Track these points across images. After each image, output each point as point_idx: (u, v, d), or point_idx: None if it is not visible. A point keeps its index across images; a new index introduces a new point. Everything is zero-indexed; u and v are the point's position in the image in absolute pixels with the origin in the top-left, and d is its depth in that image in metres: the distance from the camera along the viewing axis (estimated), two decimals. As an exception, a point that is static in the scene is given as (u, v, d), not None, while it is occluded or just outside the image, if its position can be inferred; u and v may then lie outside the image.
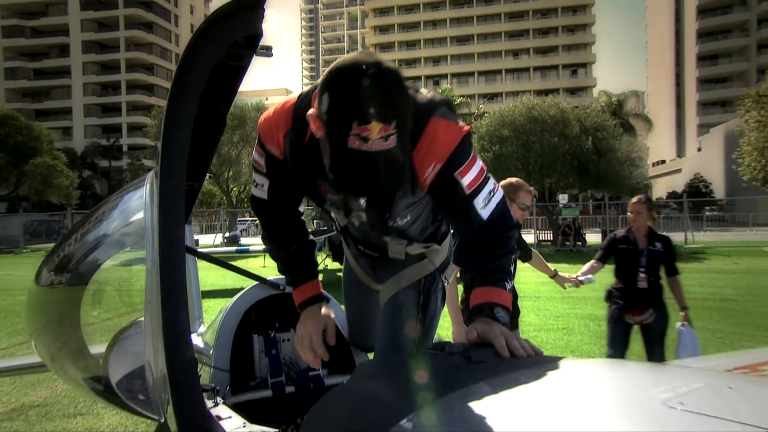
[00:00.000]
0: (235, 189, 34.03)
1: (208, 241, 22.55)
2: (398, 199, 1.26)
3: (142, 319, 1.67)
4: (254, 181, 1.40)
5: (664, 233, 4.08)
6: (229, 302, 2.19)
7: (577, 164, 18.63)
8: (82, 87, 56.80)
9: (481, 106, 41.99)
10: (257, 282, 2.19)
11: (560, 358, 1.02)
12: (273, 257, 1.49)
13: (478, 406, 0.83)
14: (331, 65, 1.05)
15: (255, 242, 21.41)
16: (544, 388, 0.90)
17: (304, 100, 1.22)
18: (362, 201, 1.28)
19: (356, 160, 0.99)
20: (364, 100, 0.96)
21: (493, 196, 1.23)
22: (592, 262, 3.78)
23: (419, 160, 1.16)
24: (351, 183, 1.02)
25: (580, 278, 3.56)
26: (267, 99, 44.40)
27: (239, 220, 30.95)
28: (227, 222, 26.11)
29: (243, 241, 24.07)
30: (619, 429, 0.67)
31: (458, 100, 38.58)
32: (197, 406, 0.89)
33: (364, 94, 0.96)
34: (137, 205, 1.63)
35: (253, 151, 1.38)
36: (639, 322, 3.65)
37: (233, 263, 2.20)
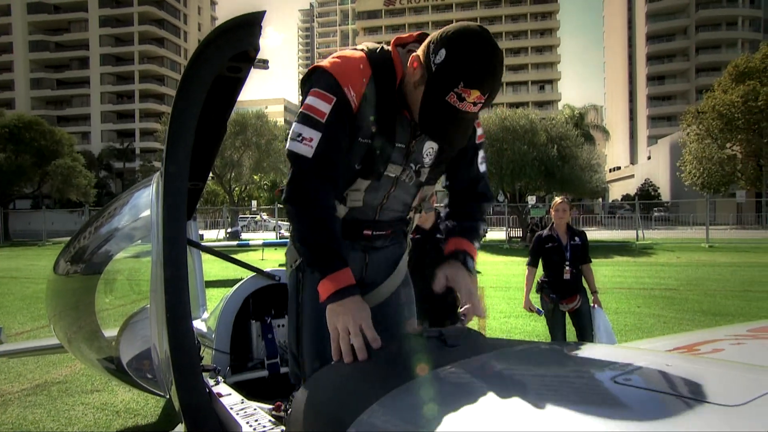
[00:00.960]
0: (236, 189, 33.76)
1: (212, 236, 22.35)
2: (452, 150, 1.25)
3: (149, 306, 1.65)
4: (297, 134, 1.12)
5: (618, 231, 4.17)
6: (229, 291, 2.17)
7: (544, 169, 18.95)
8: (100, 96, 57.09)
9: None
10: (255, 273, 2.17)
11: (525, 342, 1.04)
12: (303, 241, 1.11)
13: (449, 386, 0.83)
14: (449, 28, 1.06)
15: (254, 237, 21.23)
16: (510, 369, 0.92)
17: (376, 55, 1.18)
18: (431, 150, 1.24)
19: (447, 114, 1.05)
20: (479, 66, 1.01)
21: (485, 160, 1.33)
22: (526, 274, 3.89)
23: None
24: (437, 130, 1.08)
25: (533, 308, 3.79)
26: (266, 108, 44.08)
27: (240, 217, 30.75)
28: (229, 219, 25.87)
29: (243, 236, 23.85)
30: (577, 404, 0.68)
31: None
32: (197, 384, 0.88)
33: (481, 61, 1.01)
34: (145, 203, 1.60)
35: (307, 96, 1.14)
36: (571, 309, 3.75)
37: (234, 256, 2.20)
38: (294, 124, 1.14)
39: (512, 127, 19.13)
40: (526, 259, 4.01)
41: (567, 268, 3.70)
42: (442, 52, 1.04)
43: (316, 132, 1.12)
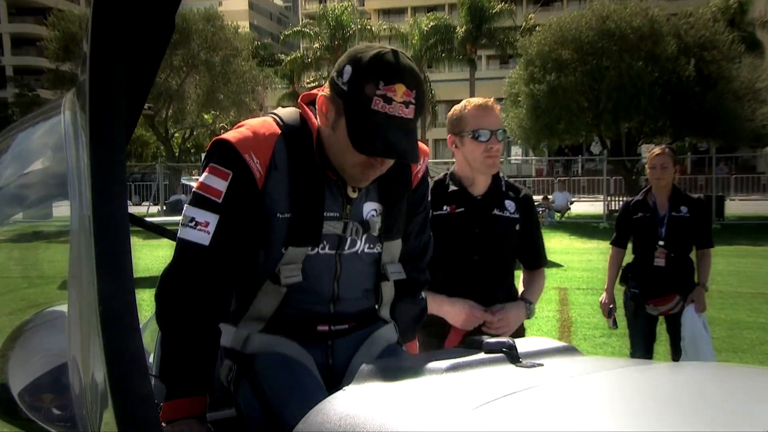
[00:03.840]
0: (176, 136, 33.90)
1: (140, 208, 22.71)
2: (401, 203, 1.64)
3: (59, 308, 1.69)
4: (189, 218, 1.42)
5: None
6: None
7: (671, 99, 18.13)
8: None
9: (531, 16, 41.33)
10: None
11: (620, 361, 1.09)
12: (169, 341, 1.44)
13: (527, 418, 0.86)
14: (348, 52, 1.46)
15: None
16: (610, 397, 0.97)
17: (283, 114, 1.54)
18: (374, 213, 1.60)
19: (381, 122, 1.37)
20: (389, 59, 1.37)
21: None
22: (609, 257, 4.07)
23: None
24: (378, 144, 1.38)
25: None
26: (221, 4, 43.73)
27: (184, 180, 31.01)
28: (166, 182, 26.17)
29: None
30: None
31: (497, 8, 38.02)
32: (150, 420, 0.92)
33: (390, 59, 1.37)
34: (48, 143, 1.62)
35: (203, 173, 1.45)
36: (664, 312, 3.86)
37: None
38: (185, 208, 1.44)
39: (619, 30, 18.57)
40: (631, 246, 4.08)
41: (659, 250, 3.79)
42: (347, 69, 1.40)
43: (212, 215, 1.41)
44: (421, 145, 1.55)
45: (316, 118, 1.52)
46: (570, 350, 1.23)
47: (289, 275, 1.49)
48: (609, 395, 1.00)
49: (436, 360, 1.15)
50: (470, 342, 1.24)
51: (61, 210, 1.72)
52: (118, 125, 0.91)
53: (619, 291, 4.05)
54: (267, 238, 1.48)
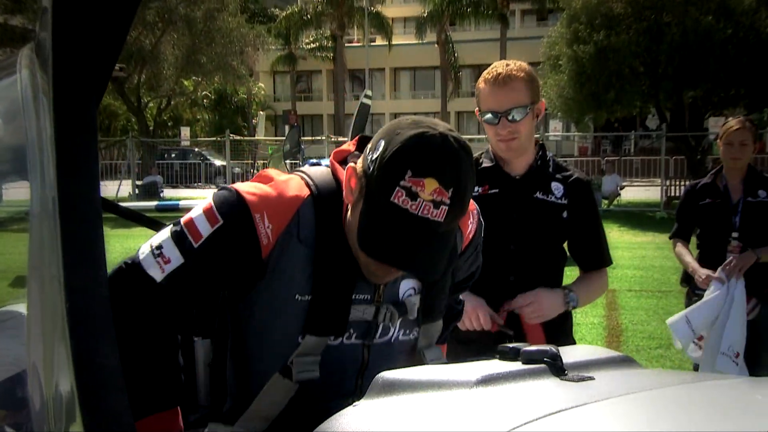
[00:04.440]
0: (151, 105, 33.99)
1: (109, 191, 22.78)
2: (444, 278, 1.63)
3: (12, 308, 1.70)
4: (157, 245, 1.45)
5: None
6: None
7: (747, 62, 17.89)
8: None
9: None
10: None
11: (687, 375, 1.09)
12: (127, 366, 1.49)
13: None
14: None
15: (187, 195, 21.54)
16: (676, 419, 0.97)
17: (314, 173, 1.55)
18: (412, 292, 1.61)
19: (397, 220, 1.33)
20: (430, 146, 1.33)
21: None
22: (676, 251, 4.06)
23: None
24: (387, 248, 1.36)
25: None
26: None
27: (160, 159, 31.13)
28: (139, 161, 26.27)
29: (167, 192, 24.25)
30: None
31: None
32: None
33: (430, 144, 1.33)
34: (0, 110, 1.62)
35: (199, 211, 1.47)
36: None
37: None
38: (162, 231, 1.48)
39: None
40: (694, 240, 4.08)
41: (733, 243, 3.76)
42: (381, 143, 1.37)
43: (178, 256, 1.43)
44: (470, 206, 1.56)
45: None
46: (626, 361, 1.23)
47: (303, 370, 1.47)
48: (675, 416, 0.99)
49: (464, 371, 1.15)
50: (504, 349, 1.24)
51: (14, 192, 1.72)
52: (87, 87, 0.90)
53: (679, 295, 4.00)
54: (278, 323, 1.49)
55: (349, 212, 1.48)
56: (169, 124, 40.04)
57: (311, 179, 1.52)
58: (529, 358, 1.18)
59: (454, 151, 1.35)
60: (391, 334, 1.57)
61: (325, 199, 1.49)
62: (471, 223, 1.69)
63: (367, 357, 1.56)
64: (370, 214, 1.37)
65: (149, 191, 22.81)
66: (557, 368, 1.15)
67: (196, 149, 32.39)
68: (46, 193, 0.97)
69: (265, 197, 1.45)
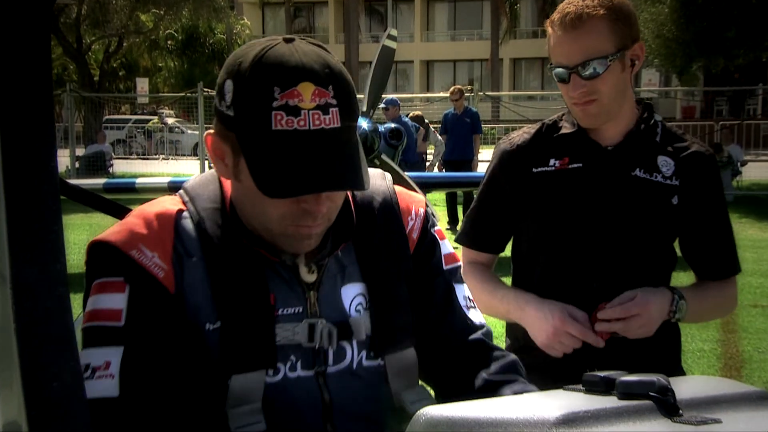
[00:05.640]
0: (96, 47, 34.02)
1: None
2: (395, 279, 1.72)
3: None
4: (84, 367, 1.48)
5: None
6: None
7: None
8: None
9: None
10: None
11: None
12: None
13: None
14: None
15: (147, 171, 21.55)
16: None
17: (193, 186, 1.68)
18: (362, 302, 1.68)
19: (287, 144, 1.45)
20: (282, 58, 1.45)
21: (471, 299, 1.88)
22: None
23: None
24: (285, 176, 1.45)
25: None
26: None
27: (107, 121, 31.27)
28: (81, 123, 26.35)
29: (119, 167, 24.36)
30: None
31: None
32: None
33: (281, 53, 1.46)
34: None
35: (88, 296, 1.56)
36: None
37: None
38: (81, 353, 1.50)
39: None
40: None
41: None
42: (228, 85, 1.50)
43: (112, 349, 1.49)
44: (401, 192, 1.75)
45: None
46: (764, 399, 1.22)
47: (243, 424, 1.52)
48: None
49: (538, 407, 1.14)
50: (594, 380, 1.23)
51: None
52: (43, 35, 0.92)
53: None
54: (199, 364, 1.54)
55: (234, 194, 1.61)
56: (121, 73, 40.24)
57: (185, 189, 1.65)
58: (627, 392, 1.16)
59: (311, 48, 1.49)
60: (348, 358, 1.62)
61: (202, 204, 1.61)
62: (411, 219, 1.78)
63: (328, 393, 1.60)
64: (259, 158, 1.46)
65: (94, 164, 22.93)
66: (668, 406, 1.13)
67: (159, 110, 32.58)
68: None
69: (130, 229, 1.56)
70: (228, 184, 1.63)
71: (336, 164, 1.47)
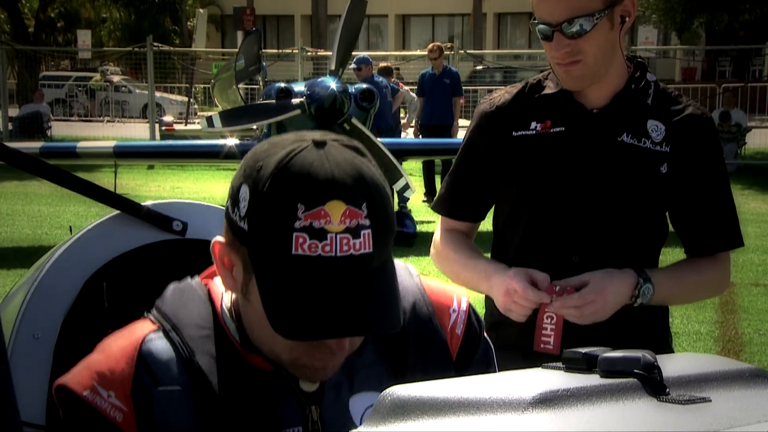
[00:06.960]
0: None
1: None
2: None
3: None
4: None
5: None
6: (43, 261, 2.29)
7: None
8: None
9: None
10: (116, 210, 2.28)
11: None
12: None
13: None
14: None
15: (88, 135, 21.35)
16: None
17: (169, 300, 1.61)
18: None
19: (308, 275, 1.36)
20: (309, 167, 1.36)
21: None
22: None
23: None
24: (302, 316, 1.38)
25: None
26: None
27: (45, 78, 30.97)
28: (15, 80, 26.03)
29: (58, 129, 24.14)
30: None
31: None
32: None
33: (308, 161, 1.37)
34: None
35: None
36: None
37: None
38: None
39: None
40: None
41: None
42: (242, 191, 1.41)
43: None
44: (433, 287, 1.68)
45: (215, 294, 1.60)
46: (758, 377, 1.22)
47: None
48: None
49: (513, 385, 1.13)
50: (575, 357, 1.22)
51: None
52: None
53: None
54: None
55: (235, 304, 1.56)
56: (60, 24, 39.75)
57: (162, 314, 1.56)
58: (611, 369, 1.15)
59: (342, 154, 1.39)
60: None
61: (191, 331, 1.53)
62: (454, 311, 1.71)
63: None
64: (274, 286, 1.39)
65: (30, 127, 22.71)
66: (655, 384, 1.12)
67: (104, 66, 32.28)
68: None
69: (87, 367, 1.50)
70: (219, 296, 1.59)
71: (365, 302, 1.38)
